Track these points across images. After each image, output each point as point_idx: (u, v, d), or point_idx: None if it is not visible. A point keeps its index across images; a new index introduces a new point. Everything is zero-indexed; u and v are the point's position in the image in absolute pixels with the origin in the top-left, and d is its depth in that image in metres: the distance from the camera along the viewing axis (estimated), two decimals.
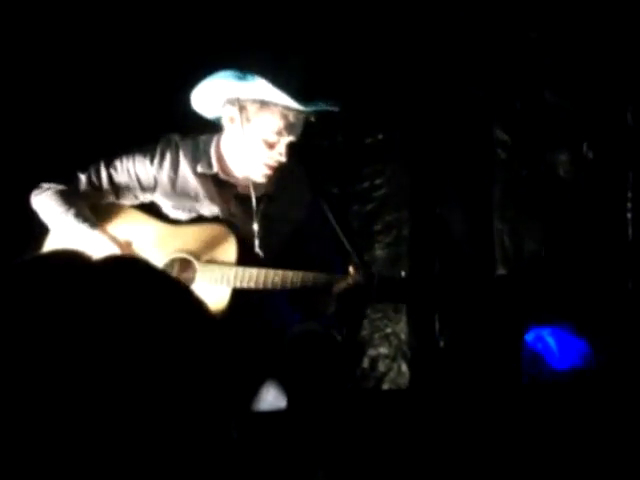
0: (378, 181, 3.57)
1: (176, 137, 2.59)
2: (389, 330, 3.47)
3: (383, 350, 3.49)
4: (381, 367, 3.49)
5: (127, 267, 0.92)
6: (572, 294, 2.93)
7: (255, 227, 2.49)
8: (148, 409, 0.80)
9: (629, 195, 3.02)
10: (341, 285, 2.33)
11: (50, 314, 0.81)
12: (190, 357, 0.85)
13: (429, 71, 3.44)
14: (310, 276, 2.36)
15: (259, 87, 2.33)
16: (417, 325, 3.42)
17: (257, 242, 2.47)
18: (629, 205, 3.01)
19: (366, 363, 3.51)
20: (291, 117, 2.37)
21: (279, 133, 2.39)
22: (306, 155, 2.49)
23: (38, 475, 0.75)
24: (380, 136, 3.57)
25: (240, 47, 2.76)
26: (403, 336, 3.44)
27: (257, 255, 2.47)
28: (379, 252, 3.53)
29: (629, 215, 3.01)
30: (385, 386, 3.47)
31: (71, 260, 0.90)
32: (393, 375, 3.46)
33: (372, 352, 3.51)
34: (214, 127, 2.56)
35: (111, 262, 0.92)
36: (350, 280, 2.32)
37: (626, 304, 2.85)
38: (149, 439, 0.79)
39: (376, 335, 3.50)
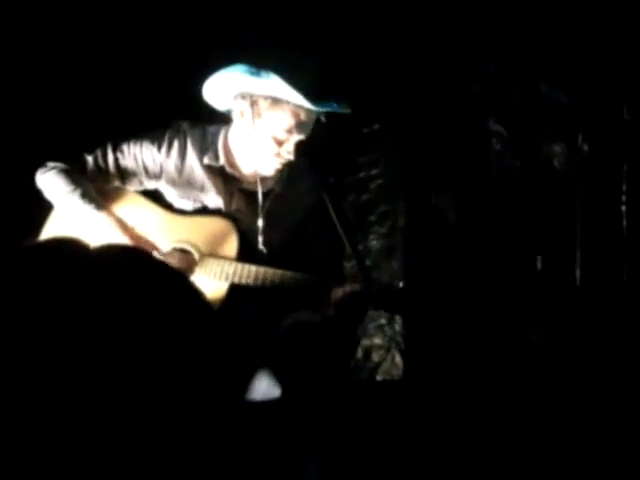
0: (374, 171, 3.57)
1: (185, 125, 2.56)
2: (383, 320, 3.47)
3: (377, 340, 3.49)
4: (375, 358, 3.49)
5: (125, 257, 0.91)
6: (567, 286, 2.93)
7: (260, 223, 2.48)
8: (145, 399, 0.79)
9: (624, 188, 3.03)
10: (339, 293, 2.33)
11: (47, 303, 0.80)
12: (187, 347, 0.85)
13: (425, 63, 3.43)
14: (309, 279, 2.36)
15: (273, 84, 2.31)
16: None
17: (261, 239, 2.47)
18: (624, 198, 3.02)
19: (360, 353, 3.51)
20: (303, 116, 2.36)
21: (289, 131, 2.37)
22: (313, 152, 2.48)
23: (38, 470, 0.75)
24: (376, 126, 3.57)
25: (256, 43, 2.73)
26: (397, 327, 3.44)
27: (257, 251, 2.47)
28: (374, 243, 3.53)
29: (624, 208, 3.01)
30: (379, 377, 3.47)
31: (69, 249, 0.89)
32: (387, 366, 3.46)
33: (366, 342, 3.51)
34: (223, 118, 2.54)
35: (109, 251, 0.91)
36: (349, 288, 2.32)
37: (621, 296, 2.86)
38: (146, 428, 0.79)
39: (370, 325, 3.50)
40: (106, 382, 0.78)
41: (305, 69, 2.36)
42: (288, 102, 2.34)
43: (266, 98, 2.36)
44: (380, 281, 2.49)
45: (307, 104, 2.31)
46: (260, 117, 2.38)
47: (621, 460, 2.37)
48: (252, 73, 2.32)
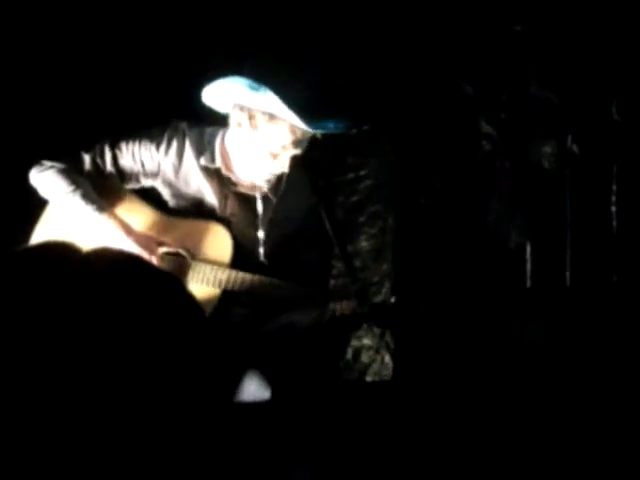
0: (363, 172, 3.57)
1: (184, 125, 2.55)
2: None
3: (366, 341, 3.49)
4: (364, 358, 3.49)
5: (116, 261, 0.91)
6: (557, 287, 2.94)
7: (260, 234, 2.49)
8: (134, 404, 0.79)
9: (614, 188, 3.04)
10: (335, 309, 2.34)
11: (35, 309, 0.79)
12: (177, 350, 0.84)
13: (415, 63, 3.44)
14: (302, 291, 2.37)
15: (271, 101, 2.31)
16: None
17: (262, 250, 2.48)
18: (613, 198, 3.03)
19: (349, 354, 3.51)
20: (299, 133, 2.35)
21: (284, 147, 2.37)
22: (310, 161, 2.48)
23: (35, 475, 0.75)
24: (365, 127, 3.56)
25: (257, 56, 2.71)
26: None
27: (251, 258, 2.47)
28: (364, 244, 3.53)
29: (613, 208, 3.02)
30: (368, 378, 3.47)
31: (59, 254, 0.88)
32: (376, 367, 3.46)
33: (355, 343, 3.51)
34: (222, 119, 2.53)
35: (100, 255, 0.90)
36: (344, 305, 2.34)
37: (611, 297, 2.87)
38: (136, 430, 0.78)
39: None
40: (94, 387, 0.77)
41: (303, 88, 2.36)
42: (285, 120, 2.34)
43: (264, 113, 2.36)
44: (373, 296, 2.51)
45: (303, 125, 2.31)
46: (256, 130, 2.38)
47: (611, 459, 2.38)
48: (252, 88, 2.32)
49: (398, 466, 2.46)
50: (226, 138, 2.51)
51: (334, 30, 3.33)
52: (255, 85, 2.32)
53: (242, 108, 2.40)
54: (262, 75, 2.33)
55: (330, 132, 2.39)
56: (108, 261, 0.89)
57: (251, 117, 2.38)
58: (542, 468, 2.38)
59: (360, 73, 3.45)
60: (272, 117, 2.35)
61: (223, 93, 2.40)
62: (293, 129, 2.34)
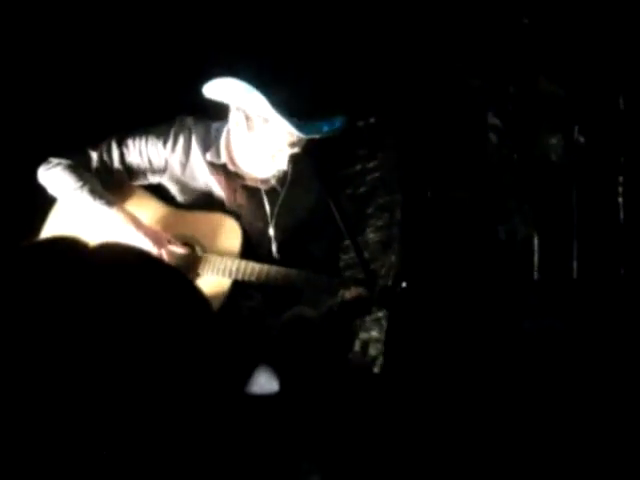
0: (371, 164, 3.57)
1: (190, 121, 2.56)
2: (381, 313, 3.47)
3: (374, 334, 3.49)
4: (372, 351, 3.49)
5: (123, 255, 0.91)
6: (564, 280, 2.94)
7: (271, 232, 2.50)
8: (142, 397, 0.79)
9: (620, 179, 3.03)
10: (344, 295, 2.35)
11: (44, 303, 0.80)
12: (185, 344, 0.85)
13: (422, 55, 3.43)
14: (313, 278, 2.37)
15: (265, 106, 2.31)
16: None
17: (274, 246, 2.49)
18: (620, 189, 3.02)
19: (357, 346, 3.51)
20: (295, 135, 2.35)
21: (280, 149, 2.38)
22: (317, 153, 2.48)
23: (36, 469, 0.75)
24: (372, 119, 3.56)
25: (254, 59, 2.70)
26: None
27: (261, 249, 2.49)
28: (371, 235, 3.53)
29: (620, 199, 3.01)
30: (376, 370, 3.47)
31: (67, 248, 0.89)
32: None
33: (364, 335, 3.51)
34: (227, 112, 2.53)
35: (107, 250, 0.91)
36: (354, 292, 2.34)
37: (618, 289, 2.86)
38: (145, 423, 0.79)
39: (368, 318, 3.50)
40: (100, 381, 0.78)
41: (298, 91, 2.36)
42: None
43: (259, 116, 2.36)
44: (383, 282, 2.50)
45: (296, 131, 2.31)
46: (253, 131, 2.39)
47: (614, 458, 2.38)
48: (247, 91, 2.32)
49: (405, 459, 2.47)
50: (230, 134, 2.51)
51: (339, 25, 3.32)
52: (249, 89, 2.32)
53: (239, 109, 2.41)
54: (256, 77, 2.34)
55: (324, 135, 2.39)
56: (115, 256, 0.90)
57: (248, 119, 2.39)
58: (543, 465, 2.38)
59: (366, 67, 3.44)
60: (267, 120, 2.36)
61: (221, 91, 2.41)
62: (289, 131, 2.35)
